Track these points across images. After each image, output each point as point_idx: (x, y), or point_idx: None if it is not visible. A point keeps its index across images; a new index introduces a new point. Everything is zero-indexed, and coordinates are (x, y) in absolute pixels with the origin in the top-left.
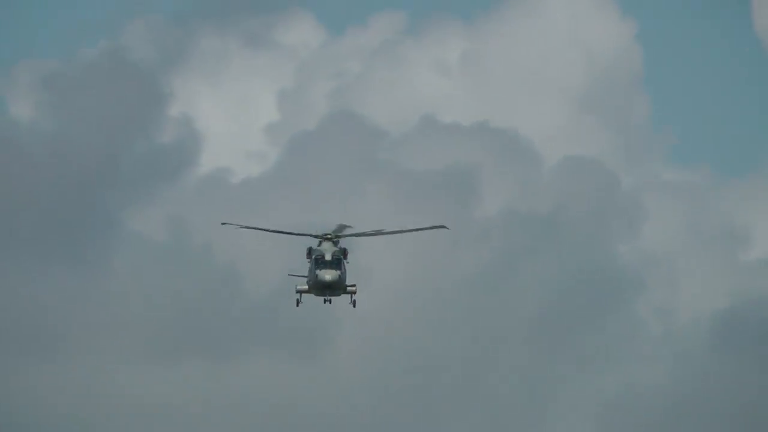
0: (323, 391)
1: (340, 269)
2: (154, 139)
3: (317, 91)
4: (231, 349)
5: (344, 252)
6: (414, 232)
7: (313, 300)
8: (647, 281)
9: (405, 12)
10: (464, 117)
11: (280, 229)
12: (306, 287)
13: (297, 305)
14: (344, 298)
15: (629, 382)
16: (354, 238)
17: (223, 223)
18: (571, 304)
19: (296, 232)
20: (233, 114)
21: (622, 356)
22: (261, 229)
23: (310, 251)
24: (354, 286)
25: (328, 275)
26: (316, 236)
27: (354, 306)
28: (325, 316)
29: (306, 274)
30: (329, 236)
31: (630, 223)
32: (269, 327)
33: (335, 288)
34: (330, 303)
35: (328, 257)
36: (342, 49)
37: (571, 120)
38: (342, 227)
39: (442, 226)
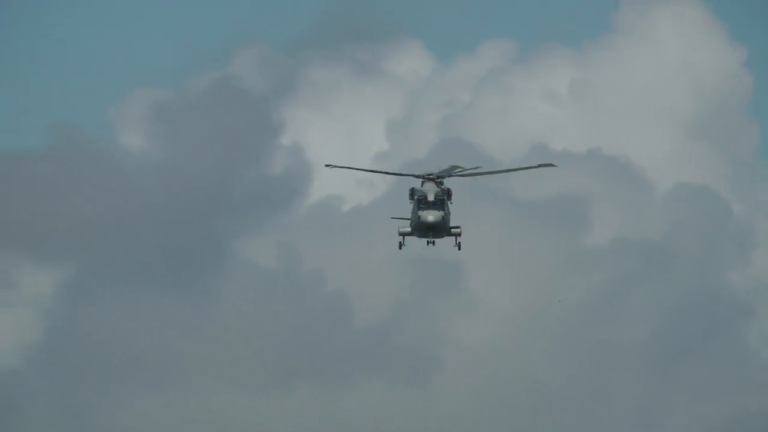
0: (432, 417)
1: (443, 210)
2: (264, 168)
3: (426, 120)
4: (342, 376)
5: (448, 192)
6: (522, 171)
7: (416, 242)
8: (758, 308)
9: (513, 40)
10: (575, 145)
11: (383, 170)
12: (409, 229)
13: (400, 248)
14: (449, 241)
15: (740, 409)
16: (461, 178)
17: (327, 165)
18: (682, 331)
19: (398, 172)
20: (343, 143)
21: (731, 383)
22: (364, 170)
23: (412, 192)
24: (459, 228)
25: (431, 216)
26: (418, 176)
27: (459, 249)
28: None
29: (409, 216)
30: (432, 176)
31: (741, 249)
32: (379, 354)
33: (439, 229)
34: (434, 245)
35: (431, 197)
36: (451, 77)
37: (681, 147)
38: (451, 168)
39: (551, 164)
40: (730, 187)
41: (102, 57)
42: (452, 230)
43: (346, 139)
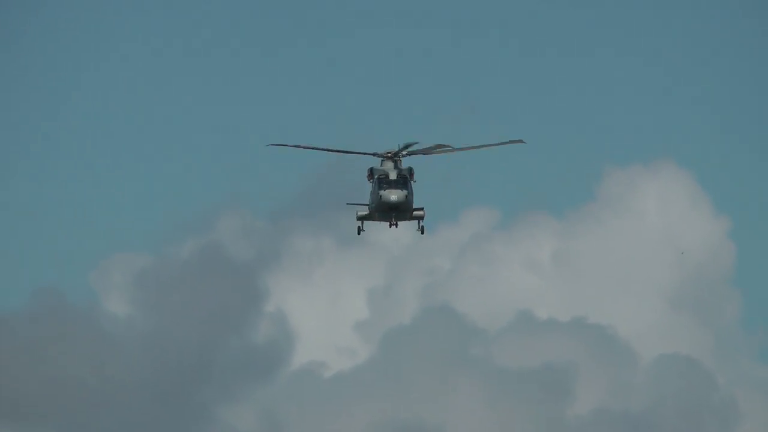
0: None
1: (406, 189)
2: (246, 336)
3: (408, 288)
4: None
5: (410, 171)
6: (489, 148)
7: (376, 227)
8: None
9: (496, 208)
10: (560, 313)
11: (336, 148)
12: (367, 212)
13: (358, 233)
14: (411, 225)
15: None
16: (423, 156)
17: (270, 145)
18: None
19: (355, 150)
20: (325, 311)
21: None
22: (315, 148)
23: (371, 171)
24: (422, 210)
25: (393, 195)
26: (377, 155)
27: (422, 233)
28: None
29: (367, 201)
30: (392, 154)
31: (725, 422)
32: None
33: (402, 210)
34: (396, 227)
35: (392, 176)
36: (433, 245)
37: (665, 317)
38: (408, 145)
39: (520, 141)
40: (714, 359)
41: (84, 222)
42: (415, 212)
43: (328, 307)
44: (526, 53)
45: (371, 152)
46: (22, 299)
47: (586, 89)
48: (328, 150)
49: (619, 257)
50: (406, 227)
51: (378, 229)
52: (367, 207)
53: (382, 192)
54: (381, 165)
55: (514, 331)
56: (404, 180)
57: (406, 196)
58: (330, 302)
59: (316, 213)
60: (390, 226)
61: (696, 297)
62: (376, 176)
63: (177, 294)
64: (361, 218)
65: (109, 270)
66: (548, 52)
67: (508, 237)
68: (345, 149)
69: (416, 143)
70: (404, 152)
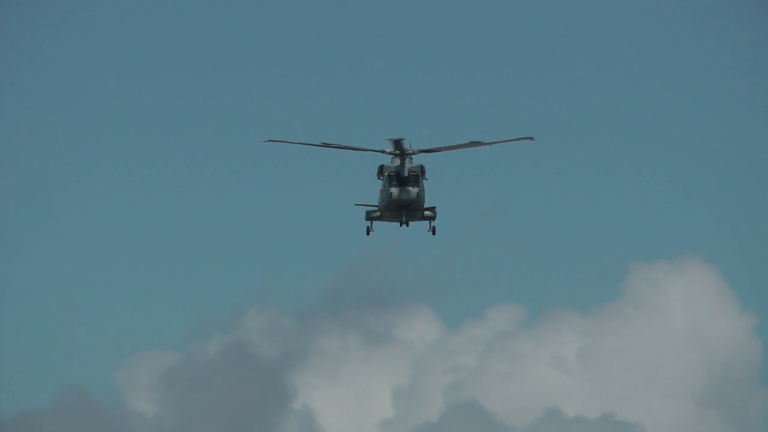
0: None
1: (418, 186)
2: None
3: (434, 386)
4: None
5: (422, 169)
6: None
7: (386, 227)
8: None
9: (522, 305)
10: (587, 410)
11: (342, 144)
12: (377, 212)
13: (368, 233)
14: (422, 225)
15: None
16: (434, 153)
17: (267, 141)
18: None
19: (363, 147)
20: (351, 410)
21: None
22: (318, 145)
23: (381, 169)
24: (433, 209)
25: (405, 193)
26: (388, 152)
27: (433, 233)
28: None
29: (376, 202)
30: (408, 151)
31: None
32: None
33: (413, 208)
34: (407, 226)
35: (404, 173)
36: (459, 342)
37: (691, 415)
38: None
39: (530, 138)
40: None
41: (109, 320)
42: (426, 212)
43: (354, 405)
44: (546, 160)
45: (380, 149)
46: (47, 397)
47: (611, 186)
48: (335, 146)
49: (646, 354)
50: (417, 228)
51: (388, 229)
52: (376, 207)
53: (392, 189)
54: (391, 162)
55: (542, 428)
56: (416, 177)
57: (418, 193)
58: (356, 400)
59: (342, 311)
60: (401, 225)
61: (722, 394)
62: (386, 173)
63: (203, 392)
64: (371, 218)
65: (135, 368)
66: (574, 157)
67: (534, 334)
68: (353, 146)
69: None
70: (416, 149)
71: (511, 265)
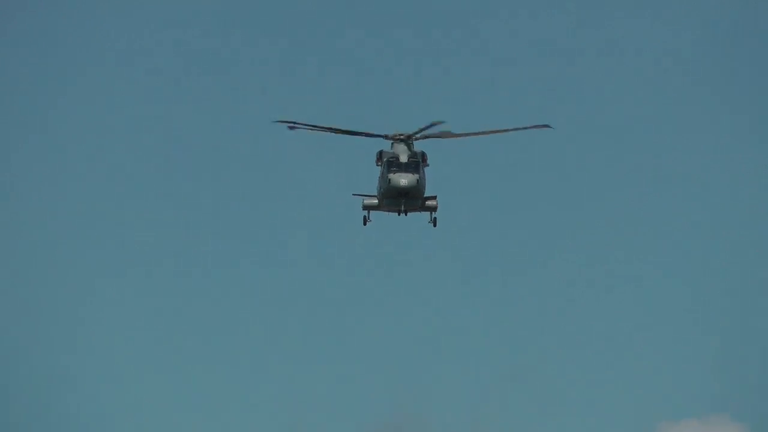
0: None
1: (418, 173)
2: None
3: None
4: None
5: (423, 156)
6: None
7: (384, 217)
8: None
9: None
10: None
11: (343, 129)
12: (375, 201)
13: (364, 224)
14: (423, 216)
15: None
16: (438, 140)
17: (275, 121)
18: None
19: (363, 132)
20: None
21: None
22: (320, 128)
23: (380, 155)
24: (435, 199)
25: (403, 179)
26: (388, 137)
27: (435, 225)
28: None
29: (374, 192)
30: (404, 136)
31: None
32: None
33: (413, 197)
34: (405, 215)
35: (403, 159)
36: None
37: None
38: (428, 126)
39: (546, 125)
40: None
41: None
42: (427, 202)
43: None
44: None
45: (381, 134)
46: None
47: (637, 342)
48: (336, 130)
49: None
50: (417, 219)
51: (386, 219)
52: (374, 196)
53: (391, 176)
54: (391, 148)
55: None
56: (416, 164)
57: (418, 180)
58: None
59: None
60: (399, 214)
61: None
62: (385, 159)
63: None
64: (368, 207)
65: None
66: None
67: None
68: (354, 130)
69: (442, 123)
70: (417, 135)
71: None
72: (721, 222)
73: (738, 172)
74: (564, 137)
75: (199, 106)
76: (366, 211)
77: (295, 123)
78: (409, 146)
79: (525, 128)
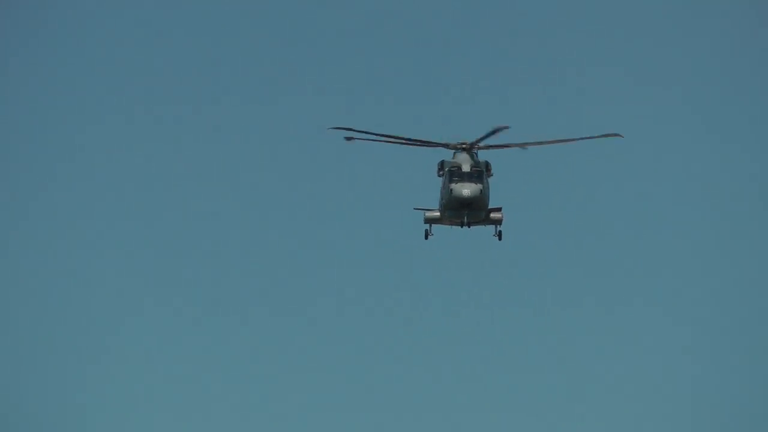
0: None
1: (481, 183)
2: None
3: None
4: None
5: (487, 165)
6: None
7: (446, 231)
8: None
9: None
10: None
11: (403, 137)
12: (437, 214)
13: (426, 237)
14: (488, 230)
15: None
16: (505, 149)
17: (331, 128)
18: None
19: (424, 140)
20: None
21: None
22: (379, 135)
23: (442, 165)
24: (500, 211)
25: (466, 189)
26: (449, 146)
27: (500, 239)
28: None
29: (436, 205)
30: (467, 145)
31: None
32: None
33: (476, 208)
34: (469, 228)
35: (466, 168)
36: None
37: None
38: (490, 133)
39: (617, 135)
40: None
41: None
42: (492, 214)
43: None
44: None
45: (442, 143)
46: None
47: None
48: (394, 139)
49: None
50: (481, 233)
51: (449, 232)
52: (436, 210)
53: (453, 186)
54: (453, 158)
55: None
56: (479, 173)
57: (481, 190)
58: None
59: None
60: (462, 226)
61: None
62: (447, 169)
63: None
64: (430, 221)
65: None
66: None
67: None
68: (413, 138)
69: (506, 128)
70: (480, 143)
71: None
72: None
73: None
74: (636, 145)
75: (235, 110)
76: (428, 225)
77: (351, 131)
78: (472, 155)
79: (595, 137)
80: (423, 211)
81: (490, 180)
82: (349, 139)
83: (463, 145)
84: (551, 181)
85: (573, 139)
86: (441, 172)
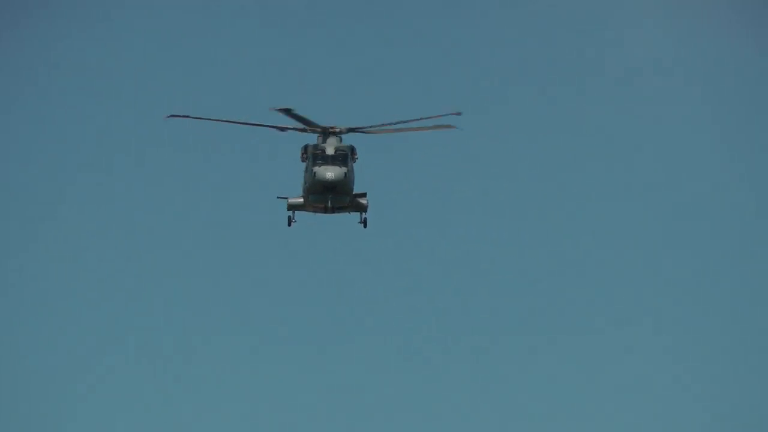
0: None
1: (346, 166)
2: None
3: None
4: None
5: (352, 149)
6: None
7: (309, 218)
8: None
9: None
10: None
11: (257, 122)
12: (301, 200)
13: (289, 224)
14: (352, 217)
15: None
16: (367, 135)
17: (169, 116)
18: None
19: (281, 125)
20: None
21: None
22: (221, 121)
23: (305, 149)
24: (365, 196)
25: (330, 172)
26: (312, 130)
27: (365, 226)
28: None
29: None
30: (335, 130)
31: None
32: None
33: (340, 192)
34: (333, 213)
35: (330, 151)
36: None
37: None
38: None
39: (449, 125)
40: None
41: None
42: (357, 199)
43: None
44: None
45: (300, 127)
46: None
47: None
48: (245, 123)
49: None
50: (346, 221)
51: (312, 219)
52: (300, 196)
53: (316, 168)
54: (317, 141)
55: None
56: (344, 156)
57: (345, 173)
58: None
59: None
60: (326, 211)
61: None
62: (310, 152)
63: None
64: (293, 207)
65: None
66: None
67: None
68: (270, 123)
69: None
70: (344, 127)
71: None
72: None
73: None
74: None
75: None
76: (291, 212)
77: (189, 118)
78: (337, 139)
79: (430, 128)
80: (286, 199)
81: (355, 165)
82: (282, 129)
83: (330, 129)
84: (410, 167)
85: (414, 129)
86: (305, 156)
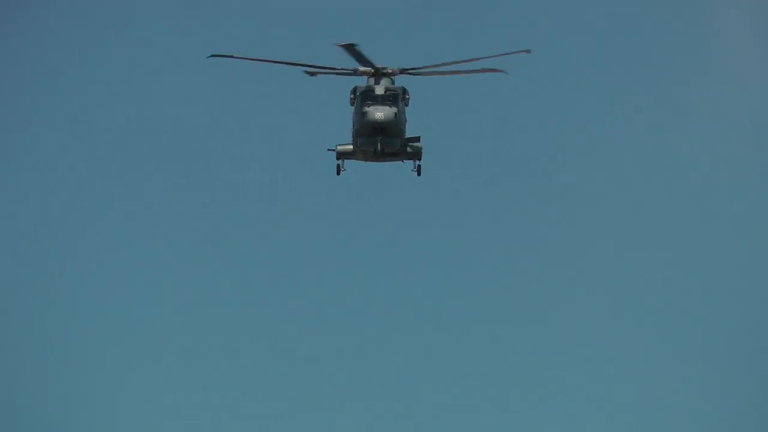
0: None
1: (396, 107)
2: None
3: None
4: None
5: (404, 90)
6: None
7: (360, 166)
8: None
9: None
10: None
11: (305, 63)
12: (350, 147)
13: (338, 172)
14: (405, 165)
15: None
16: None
17: (211, 56)
18: None
19: (329, 67)
20: None
21: None
22: (270, 61)
23: (354, 91)
24: (418, 140)
25: (379, 112)
26: (362, 73)
27: (419, 174)
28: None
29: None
30: (386, 71)
31: None
32: None
33: (391, 134)
34: (383, 154)
35: (379, 91)
36: None
37: None
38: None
39: (498, 69)
40: None
41: None
42: (409, 144)
43: None
44: None
45: (351, 69)
46: None
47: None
48: (293, 64)
49: None
50: (398, 169)
51: (362, 168)
52: (349, 143)
53: (366, 109)
54: (366, 83)
55: None
56: (394, 96)
57: (396, 114)
58: None
59: None
60: (375, 153)
61: None
62: (358, 93)
63: None
64: (342, 155)
65: None
66: None
67: None
68: (317, 65)
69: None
70: (397, 68)
71: None
72: None
73: None
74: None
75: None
76: (340, 160)
77: (233, 58)
78: (389, 81)
79: (479, 71)
80: (335, 150)
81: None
82: (312, 74)
83: (380, 70)
84: (471, 110)
85: (460, 72)
86: (353, 99)
